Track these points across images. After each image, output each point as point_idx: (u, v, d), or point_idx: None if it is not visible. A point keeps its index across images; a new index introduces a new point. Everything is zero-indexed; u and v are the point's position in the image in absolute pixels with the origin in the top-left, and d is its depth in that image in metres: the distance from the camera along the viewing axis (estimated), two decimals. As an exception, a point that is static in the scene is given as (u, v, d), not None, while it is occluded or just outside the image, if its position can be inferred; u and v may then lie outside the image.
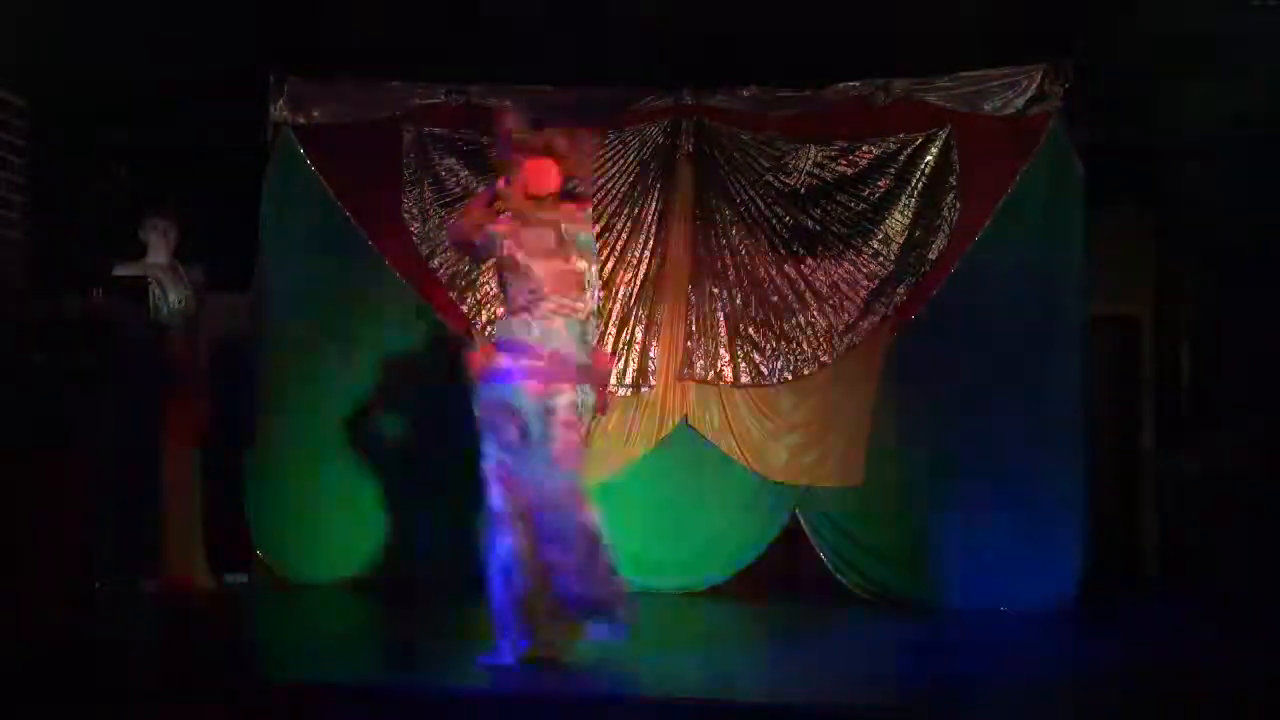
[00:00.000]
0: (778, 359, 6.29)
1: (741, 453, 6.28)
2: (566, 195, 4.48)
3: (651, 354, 6.34)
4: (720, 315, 6.32)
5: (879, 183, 6.28)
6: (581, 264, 4.44)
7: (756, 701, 4.09)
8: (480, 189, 4.76)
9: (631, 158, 6.38)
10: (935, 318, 6.20)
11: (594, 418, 4.70)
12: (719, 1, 5.68)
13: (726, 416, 6.29)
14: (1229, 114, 5.86)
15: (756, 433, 6.29)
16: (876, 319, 6.24)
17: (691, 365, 6.32)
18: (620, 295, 6.36)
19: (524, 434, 4.25)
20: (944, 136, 6.23)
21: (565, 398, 4.30)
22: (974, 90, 6.23)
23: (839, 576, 6.23)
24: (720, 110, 6.38)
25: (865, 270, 6.26)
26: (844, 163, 6.31)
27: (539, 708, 4.00)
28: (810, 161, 6.31)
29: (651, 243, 6.36)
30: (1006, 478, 6.05)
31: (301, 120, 6.44)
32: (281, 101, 6.42)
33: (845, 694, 4.24)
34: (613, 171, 6.37)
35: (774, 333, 6.29)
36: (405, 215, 6.41)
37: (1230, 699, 4.41)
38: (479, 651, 4.57)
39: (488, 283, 6.21)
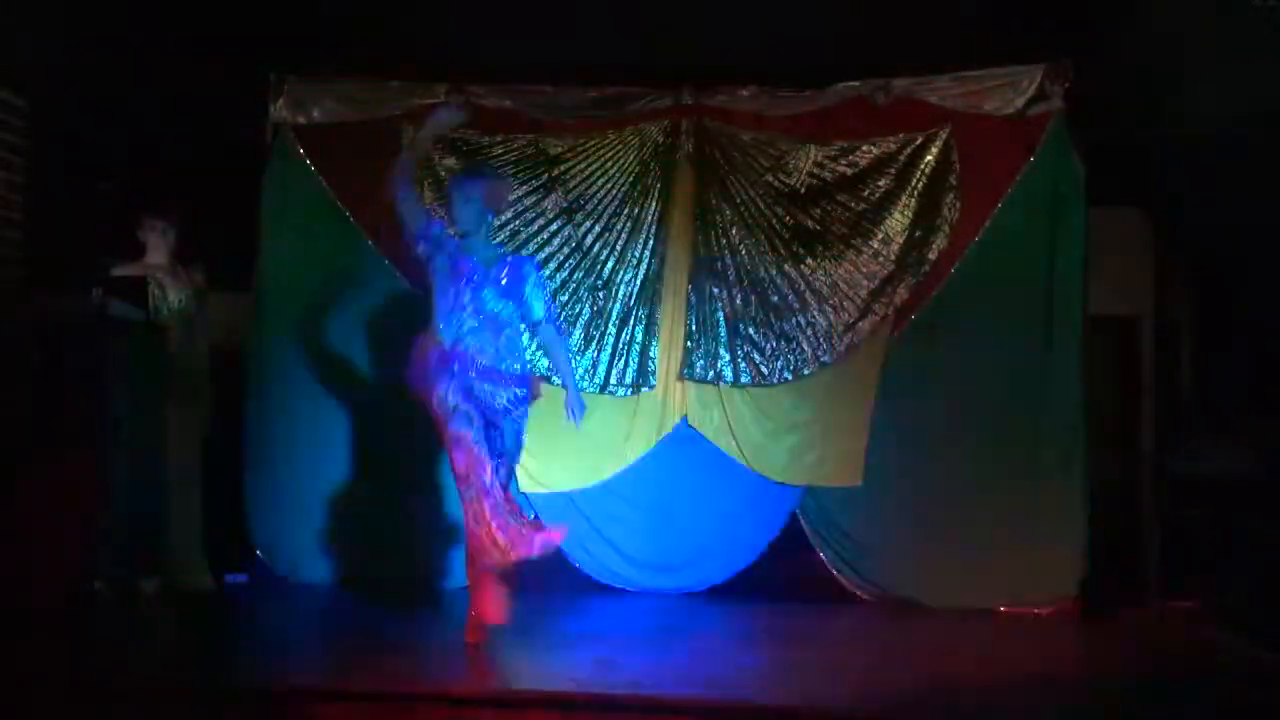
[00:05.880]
0: (778, 359, 6.29)
1: (741, 453, 6.27)
2: None
3: (651, 354, 6.33)
4: (720, 315, 6.32)
5: (879, 183, 6.28)
6: None
7: (757, 701, 4.09)
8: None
9: (631, 158, 6.37)
10: (935, 318, 6.20)
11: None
12: (719, 1, 5.68)
13: (726, 416, 6.29)
14: (1229, 114, 5.86)
15: (756, 433, 6.28)
16: (876, 319, 6.24)
17: (691, 365, 6.31)
18: (620, 295, 6.35)
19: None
20: (944, 136, 6.23)
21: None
22: (974, 90, 6.23)
23: (839, 576, 6.23)
24: (720, 110, 6.37)
25: (865, 270, 6.26)
26: (844, 163, 6.30)
27: (538, 708, 4.00)
28: (810, 161, 6.30)
29: (652, 243, 6.35)
30: (1006, 478, 6.06)
31: (301, 120, 6.44)
32: (281, 101, 6.42)
33: (845, 694, 4.25)
34: (613, 171, 6.37)
35: (774, 333, 6.29)
36: (405, 215, 6.41)
37: (1230, 699, 4.42)
38: (478, 652, 4.59)
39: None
